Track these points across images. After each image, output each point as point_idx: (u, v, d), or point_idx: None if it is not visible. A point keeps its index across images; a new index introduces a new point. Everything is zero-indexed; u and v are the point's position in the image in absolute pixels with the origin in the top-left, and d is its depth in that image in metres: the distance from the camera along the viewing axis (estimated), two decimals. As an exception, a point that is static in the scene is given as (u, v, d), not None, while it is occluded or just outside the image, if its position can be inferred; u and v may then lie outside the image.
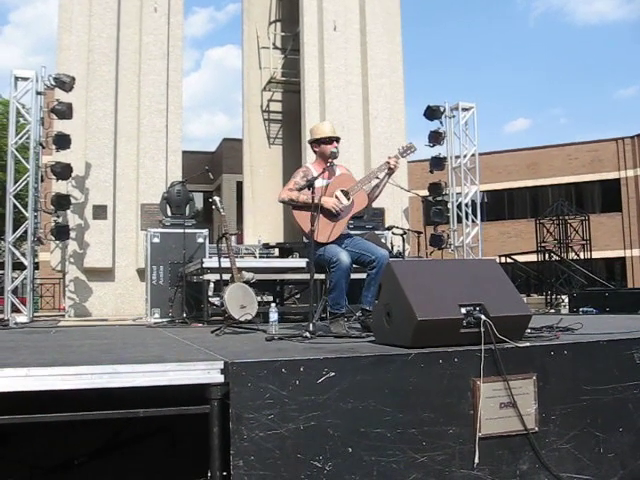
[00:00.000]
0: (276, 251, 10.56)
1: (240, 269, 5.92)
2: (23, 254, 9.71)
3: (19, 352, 3.91)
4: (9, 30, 76.97)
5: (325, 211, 4.88)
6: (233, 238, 7.93)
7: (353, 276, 4.87)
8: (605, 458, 3.34)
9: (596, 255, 20.03)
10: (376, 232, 10.38)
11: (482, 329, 3.18)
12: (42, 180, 10.13)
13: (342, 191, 5.03)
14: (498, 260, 11.38)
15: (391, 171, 5.08)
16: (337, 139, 5.18)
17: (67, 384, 2.68)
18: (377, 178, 5.16)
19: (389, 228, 10.49)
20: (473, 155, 12.61)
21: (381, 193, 5.28)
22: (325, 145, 5.13)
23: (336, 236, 4.91)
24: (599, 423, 3.34)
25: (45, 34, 76.22)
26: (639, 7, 71.94)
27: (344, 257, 4.71)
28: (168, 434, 3.46)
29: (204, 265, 7.34)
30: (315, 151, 5.25)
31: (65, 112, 9.94)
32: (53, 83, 9.95)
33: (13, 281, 9.71)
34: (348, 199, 5.02)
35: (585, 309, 8.76)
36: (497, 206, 27.82)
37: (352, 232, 5.37)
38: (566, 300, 11.27)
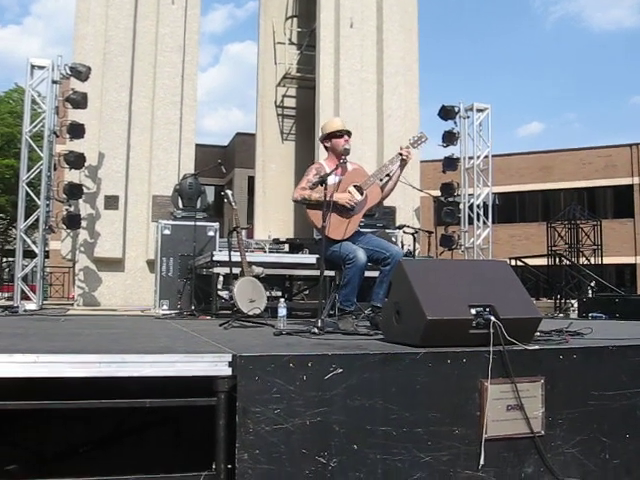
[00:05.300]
0: (286, 246, 10.57)
1: (250, 263, 5.94)
2: (34, 242, 9.76)
3: (28, 338, 3.93)
4: (30, 21, 77.37)
5: (339, 208, 4.83)
6: (244, 232, 7.94)
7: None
8: (610, 464, 3.31)
9: (607, 261, 19.91)
10: (387, 231, 10.38)
11: (491, 330, 3.17)
12: (55, 169, 10.18)
13: (355, 186, 4.99)
14: (508, 262, 11.35)
15: (404, 162, 5.01)
16: (348, 133, 5.15)
17: (75, 372, 2.68)
18: (389, 171, 5.10)
19: (400, 227, 10.47)
20: (486, 157, 12.58)
21: (395, 187, 5.22)
22: (336, 139, 5.11)
23: (351, 233, 4.89)
24: (605, 429, 3.31)
25: (65, 26, 76.52)
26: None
27: (361, 254, 4.69)
28: (173, 425, 3.46)
29: (214, 258, 7.36)
30: (327, 147, 5.23)
31: (80, 102, 9.97)
32: (69, 72, 9.98)
33: (23, 268, 9.77)
34: (361, 194, 4.98)
35: (594, 314, 8.70)
36: (508, 209, 27.67)
37: (363, 230, 5.35)
38: (575, 305, 11.21)
